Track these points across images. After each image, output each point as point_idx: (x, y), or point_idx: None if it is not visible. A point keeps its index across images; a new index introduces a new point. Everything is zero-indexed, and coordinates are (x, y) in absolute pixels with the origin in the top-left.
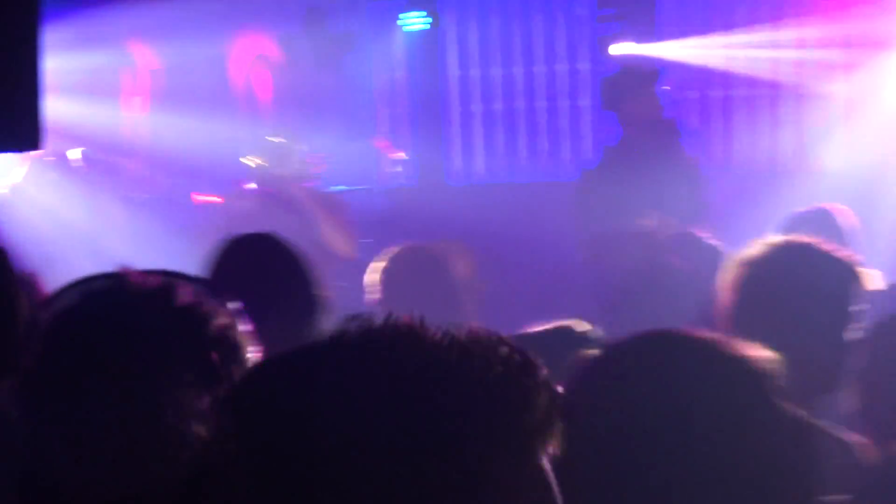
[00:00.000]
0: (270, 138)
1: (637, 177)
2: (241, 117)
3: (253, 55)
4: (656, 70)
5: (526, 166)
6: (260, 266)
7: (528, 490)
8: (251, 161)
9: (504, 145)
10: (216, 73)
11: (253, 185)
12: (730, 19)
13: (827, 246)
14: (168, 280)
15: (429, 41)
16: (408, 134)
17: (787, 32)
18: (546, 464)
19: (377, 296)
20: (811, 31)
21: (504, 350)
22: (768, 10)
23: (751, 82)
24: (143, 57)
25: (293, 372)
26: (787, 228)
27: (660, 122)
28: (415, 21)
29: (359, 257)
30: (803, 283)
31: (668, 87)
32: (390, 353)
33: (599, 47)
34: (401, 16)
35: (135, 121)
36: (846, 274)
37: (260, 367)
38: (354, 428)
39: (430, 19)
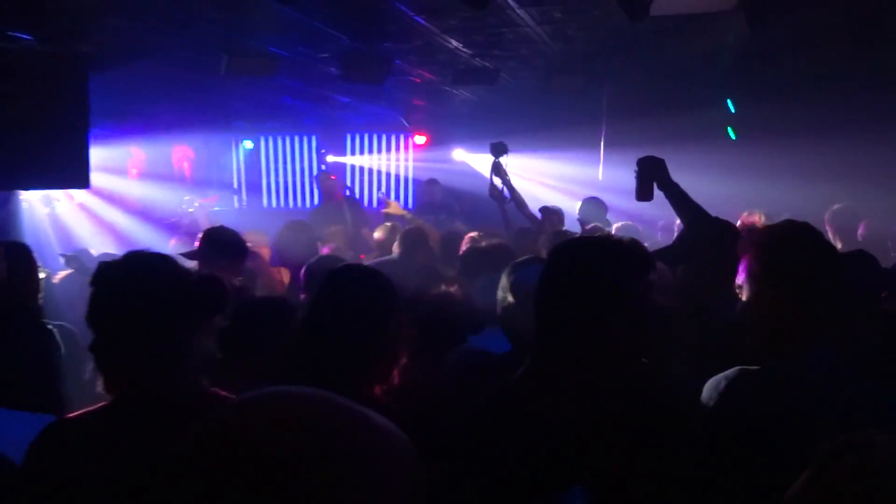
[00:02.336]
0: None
1: (333, 213)
2: (177, 181)
3: (182, 154)
4: (328, 175)
5: (291, 204)
6: None
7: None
8: (186, 202)
9: (283, 195)
10: (166, 161)
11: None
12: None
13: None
14: None
15: (254, 152)
16: (245, 188)
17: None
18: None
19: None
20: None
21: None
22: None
23: (388, 176)
24: (135, 152)
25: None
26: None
27: (346, 188)
28: (247, 145)
29: None
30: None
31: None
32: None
33: (320, 157)
34: (242, 142)
35: (131, 181)
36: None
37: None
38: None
39: (252, 144)
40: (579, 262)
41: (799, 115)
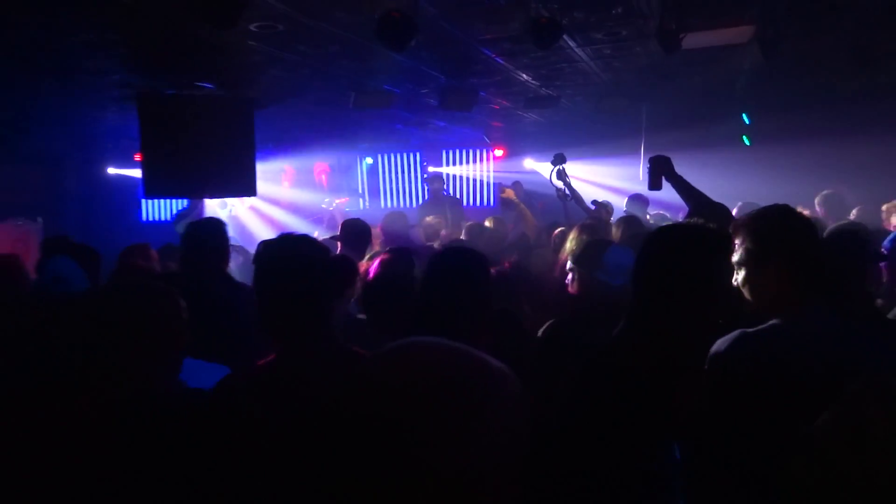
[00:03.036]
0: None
1: (437, 209)
2: (317, 188)
3: (321, 168)
4: (440, 177)
5: (402, 204)
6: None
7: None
8: (325, 203)
9: (395, 198)
10: (309, 173)
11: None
12: (465, 158)
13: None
14: None
15: (373, 166)
16: (367, 193)
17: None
18: None
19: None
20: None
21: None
22: (478, 156)
23: (474, 181)
24: (287, 167)
25: None
26: None
27: (444, 190)
28: (367, 160)
29: None
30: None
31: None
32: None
33: (423, 168)
34: (365, 158)
35: (285, 188)
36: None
37: None
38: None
39: (372, 159)
40: (673, 245)
41: (804, 126)
